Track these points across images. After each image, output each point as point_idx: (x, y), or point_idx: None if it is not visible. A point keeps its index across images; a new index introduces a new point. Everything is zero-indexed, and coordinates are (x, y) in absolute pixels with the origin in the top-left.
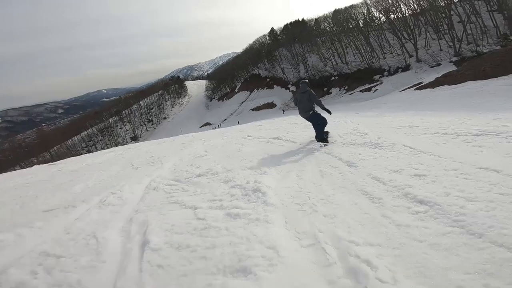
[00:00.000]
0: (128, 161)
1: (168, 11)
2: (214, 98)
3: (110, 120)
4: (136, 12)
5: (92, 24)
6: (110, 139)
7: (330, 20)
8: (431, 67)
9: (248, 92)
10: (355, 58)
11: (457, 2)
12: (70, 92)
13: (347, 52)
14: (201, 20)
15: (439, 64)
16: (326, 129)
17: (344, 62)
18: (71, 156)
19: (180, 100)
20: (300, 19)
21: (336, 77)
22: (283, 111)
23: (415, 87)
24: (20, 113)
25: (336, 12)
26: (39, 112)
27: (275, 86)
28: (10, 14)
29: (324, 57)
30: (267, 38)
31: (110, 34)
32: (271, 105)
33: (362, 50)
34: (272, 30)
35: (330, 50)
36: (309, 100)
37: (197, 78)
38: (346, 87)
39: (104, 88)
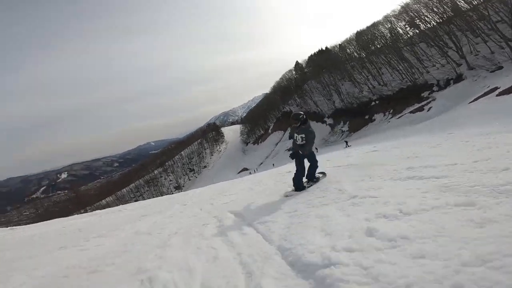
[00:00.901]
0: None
1: (195, 58)
2: (249, 142)
3: (155, 172)
4: (164, 64)
5: (132, 77)
6: (155, 189)
7: (354, 43)
8: (491, 71)
9: (282, 131)
10: (393, 78)
11: (481, 3)
12: (123, 145)
13: (382, 73)
14: (236, 63)
15: (500, 67)
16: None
17: (381, 83)
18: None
19: (218, 147)
20: (324, 48)
21: (377, 102)
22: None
23: (496, 94)
24: (82, 167)
25: (359, 34)
26: (98, 166)
27: (309, 121)
28: (66, 68)
29: (358, 82)
30: (293, 72)
31: (148, 85)
32: None
33: (400, 67)
34: (297, 63)
35: (363, 74)
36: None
37: (233, 123)
38: (391, 111)
39: (152, 140)
